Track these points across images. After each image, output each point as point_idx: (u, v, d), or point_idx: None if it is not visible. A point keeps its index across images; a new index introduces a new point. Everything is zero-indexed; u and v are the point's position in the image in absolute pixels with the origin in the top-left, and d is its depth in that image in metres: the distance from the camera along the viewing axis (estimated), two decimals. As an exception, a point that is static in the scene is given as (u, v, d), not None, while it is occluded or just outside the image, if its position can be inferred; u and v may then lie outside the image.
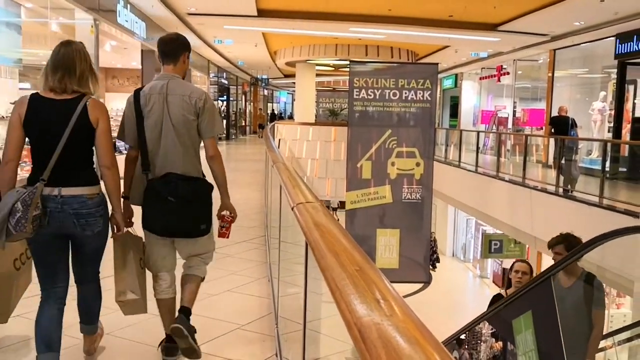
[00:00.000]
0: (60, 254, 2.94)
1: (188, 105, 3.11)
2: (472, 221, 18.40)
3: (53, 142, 2.77)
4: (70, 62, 2.83)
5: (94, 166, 2.97)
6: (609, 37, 12.51)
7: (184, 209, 3.07)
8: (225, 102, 28.37)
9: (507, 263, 16.45)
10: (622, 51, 12.06)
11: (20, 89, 10.54)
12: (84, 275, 3.09)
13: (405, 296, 13.66)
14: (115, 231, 3.07)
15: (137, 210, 3.20)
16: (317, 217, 1.60)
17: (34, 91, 2.88)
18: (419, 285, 14.26)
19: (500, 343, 7.44)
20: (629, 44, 11.81)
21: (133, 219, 3.25)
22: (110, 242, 3.11)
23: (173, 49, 3.22)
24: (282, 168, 3.15)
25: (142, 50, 13.71)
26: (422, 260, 10.76)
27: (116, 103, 20.41)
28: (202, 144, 3.25)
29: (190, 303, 3.26)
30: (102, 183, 2.98)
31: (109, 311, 3.96)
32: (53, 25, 9.45)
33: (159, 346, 3.30)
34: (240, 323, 3.86)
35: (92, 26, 9.27)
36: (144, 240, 3.26)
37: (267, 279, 4.80)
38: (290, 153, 14.26)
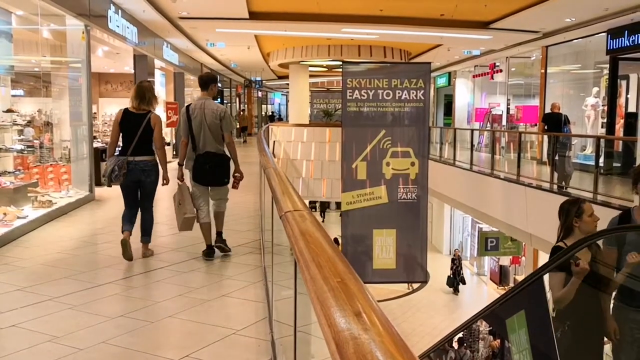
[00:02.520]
0: (134, 191, 5.64)
1: (216, 115, 5.58)
2: (469, 219, 18.44)
3: (133, 135, 5.47)
4: (142, 94, 5.57)
5: (152, 147, 5.61)
6: (600, 32, 12.55)
7: (215, 170, 5.60)
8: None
9: (504, 260, 16.53)
10: (614, 47, 12.11)
11: (12, 96, 10.51)
12: (144, 206, 5.70)
13: (402, 295, 13.70)
14: (163, 182, 5.69)
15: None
16: (303, 226, 1.61)
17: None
18: (417, 284, 14.29)
19: (498, 341, 7.44)
20: (620, 39, 11.86)
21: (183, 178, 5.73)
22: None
23: (206, 83, 5.79)
24: (272, 174, 3.16)
25: (134, 55, 13.68)
26: (419, 260, 10.75)
27: (110, 108, 20.40)
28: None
29: (220, 227, 5.87)
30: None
31: (104, 319, 3.97)
32: (44, 32, 9.42)
33: (202, 252, 5.70)
34: (235, 328, 3.87)
35: (83, 32, 9.25)
36: (190, 189, 5.69)
37: (262, 283, 4.81)
38: (285, 155, 14.25)
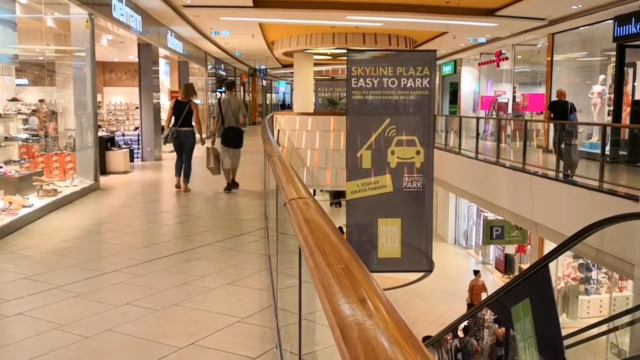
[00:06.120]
0: (181, 149, 9.21)
1: (237, 105, 9.40)
2: (474, 208, 18.39)
3: (180, 114, 9.12)
4: (188, 90, 9.35)
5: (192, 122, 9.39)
6: (607, 20, 12.43)
7: (235, 137, 9.34)
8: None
9: (509, 249, 16.51)
10: (621, 34, 12.00)
11: (17, 85, 10.51)
12: (186, 159, 9.17)
13: (407, 284, 13.72)
14: (202, 144, 9.38)
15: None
16: (307, 214, 1.60)
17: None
18: (422, 273, 14.28)
19: (503, 329, 7.44)
20: (627, 26, 11.74)
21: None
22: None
23: (231, 86, 10.15)
24: (277, 162, 3.15)
25: (138, 44, 13.65)
26: (423, 249, 10.74)
27: (115, 97, 20.39)
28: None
29: (234, 176, 9.46)
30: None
31: (110, 307, 3.99)
32: (48, 21, 9.40)
33: (224, 189, 9.22)
34: (240, 316, 3.88)
35: (87, 21, 9.22)
36: (215, 150, 9.31)
37: (267, 271, 4.81)
38: (289, 143, 14.22)
